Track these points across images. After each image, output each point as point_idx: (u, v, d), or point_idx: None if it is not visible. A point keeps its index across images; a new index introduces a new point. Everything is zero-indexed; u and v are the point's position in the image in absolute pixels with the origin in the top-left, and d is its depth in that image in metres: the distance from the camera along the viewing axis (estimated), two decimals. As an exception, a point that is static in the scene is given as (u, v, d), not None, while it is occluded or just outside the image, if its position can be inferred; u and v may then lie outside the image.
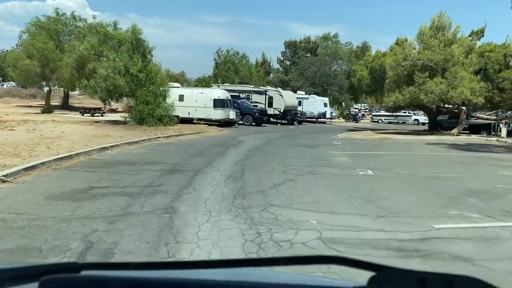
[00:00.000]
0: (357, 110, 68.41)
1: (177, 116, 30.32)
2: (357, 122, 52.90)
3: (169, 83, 33.95)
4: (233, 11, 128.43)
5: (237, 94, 39.78)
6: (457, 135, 26.87)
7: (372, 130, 35.33)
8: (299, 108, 42.60)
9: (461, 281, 0.80)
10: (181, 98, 31.00)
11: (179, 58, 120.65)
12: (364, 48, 59.00)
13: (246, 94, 39.74)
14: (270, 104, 38.35)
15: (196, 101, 30.80)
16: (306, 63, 48.91)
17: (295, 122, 39.38)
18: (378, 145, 20.82)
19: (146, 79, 24.84)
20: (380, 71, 31.18)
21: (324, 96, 46.45)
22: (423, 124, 57.35)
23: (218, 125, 30.09)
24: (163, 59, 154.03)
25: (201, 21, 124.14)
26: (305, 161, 13.85)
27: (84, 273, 0.96)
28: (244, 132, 26.07)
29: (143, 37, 26.12)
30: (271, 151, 16.49)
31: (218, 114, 30.45)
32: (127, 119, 25.05)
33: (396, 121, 56.55)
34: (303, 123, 41.33)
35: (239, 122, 33.29)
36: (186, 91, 31.92)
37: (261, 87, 40.96)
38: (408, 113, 60.08)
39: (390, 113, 59.74)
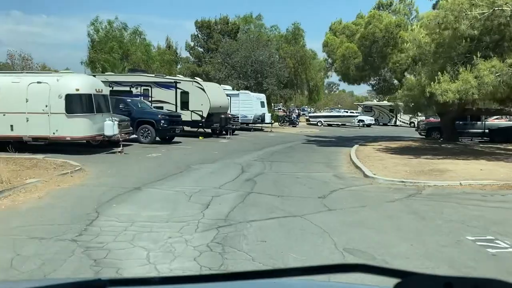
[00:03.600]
0: (284, 110, 54.87)
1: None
2: (294, 126, 38.82)
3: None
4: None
5: (127, 88, 23.11)
6: None
7: (355, 141, 20.99)
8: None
9: (488, 285, 0.76)
10: (-10, 94, 13.52)
11: (70, 58, 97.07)
12: (296, 32, 45.11)
13: (143, 88, 23.08)
14: (185, 104, 22.22)
15: (28, 101, 13.55)
16: (232, 47, 33.28)
17: (225, 133, 23.62)
18: None
19: None
20: (385, 39, 16.79)
21: (260, 92, 31.30)
22: (368, 126, 45.45)
23: (80, 150, 13.19)
24: (52, 59, 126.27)
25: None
26: None
27: None
28: (131, 179, 9.73)
29: None
30: None
31: (78, 127, 13.62)
32: None
33: (337, 123, 43.69)
34: (234, 132, 25.74)
35: (132, 137, 17.05)
36: (3, 80, 14.30)
37: (168, 77, 24.49)
38: (350, 112, 47.68)
39: (331, 114, 47.03)
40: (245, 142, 21.17)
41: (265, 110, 30.28)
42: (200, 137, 22.21)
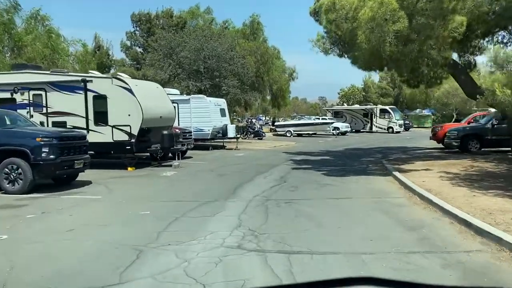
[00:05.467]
0: (239, 120, 47.06)
1: None
2: (261, 139, 30.93)
3: None
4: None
5: (8, 95, 14.24)
6: None
7: (362, 159, 13.23)
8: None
9: None
10: None
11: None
12: (254, 25, 37.36)
13: (33, 93, 14.20)
14: (102, 116, 13.59)
15: None
16: (178, 40, 24.44)
17: (172, 155, 15.09)
18: None
19: None
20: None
21: (218, 97, 22.86)
22: (343, 134, 38.27)
23: None
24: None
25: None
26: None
27: None
28: None
29: None
30: None
31: None
32: None
33: (308, 132, 36.19)
34: (186, 154, 17.26)
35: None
36: None
37: (73, 74, 15.66)
38: (322, 118, 40.38)
39: (301, 122, 39.24)
40: (203, 174, 12.70)
41: (226, 120, 21.93)
42: (130, 168, 13.52)
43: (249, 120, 40.44)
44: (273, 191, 9.30)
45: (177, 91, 21.78)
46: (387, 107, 43.74)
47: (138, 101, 13.18)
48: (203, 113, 20.42)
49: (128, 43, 36.24)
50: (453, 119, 50.31)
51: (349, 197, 8.40)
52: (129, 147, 13.41)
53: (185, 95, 21.68)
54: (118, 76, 14.04)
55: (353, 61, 12.28)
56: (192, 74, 23.62)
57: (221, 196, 8.79)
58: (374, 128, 42.93)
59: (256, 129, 32.98)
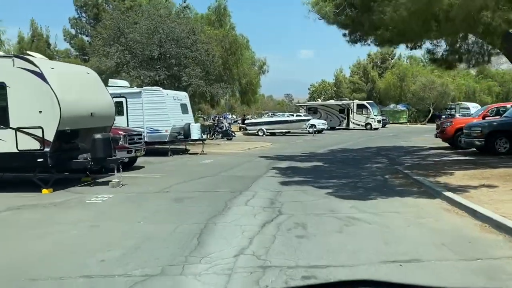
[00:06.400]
0: (204, 119, 43.05)
1: None
2: (230, 139, 27.03)
3: None
4: None
5: None
6: None
7: (367, 166, 9.48)
8: (119, 120, 14.18)
9: None
10: None
11: None
12: (221, 11, 33.09)
13: None
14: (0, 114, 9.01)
15: None
16: (128, 20, 19.61)
17: (114, 173, 10.68)
18: None
19: None
20: None
21: (177, 89, 18.56)
22: (320, 131, 34.80)
23: None
24: None
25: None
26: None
27: None
28: None
29: None
30: None
31: None
32: None
33: (282, 130, 32.48)
34: (136, 163, 13.03)
35: None
36: None
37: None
38: (297, 115, 36.62)
39: (274, 120, 35.18)
40: (152, 198, 8.50)
41: (189, 118, 17.71)
42: (45, 190, 9.13)
43: (216, 118, 36.29)
44: (268, 240, 5.29)
45: (126, 83, 17.32)
46: (364, 102, 40.70)
47: (53, 90, 8.82)
48: (159, 110, 16.10)
49: (73, 31, 31.10)
50: (430, 114, 48.19)
51: (417, 258, 4.49)
52: (42, 160, 9.01)
53: (135, 88, 17.25)
54: (25, 56, 9.55)
55: (368, 30, 8.45)
56: (145, 61, 19.14)
57: (176, 255, 4.72)
58: (351, 125, 39.80)
59: (224, 129, 28.94)
